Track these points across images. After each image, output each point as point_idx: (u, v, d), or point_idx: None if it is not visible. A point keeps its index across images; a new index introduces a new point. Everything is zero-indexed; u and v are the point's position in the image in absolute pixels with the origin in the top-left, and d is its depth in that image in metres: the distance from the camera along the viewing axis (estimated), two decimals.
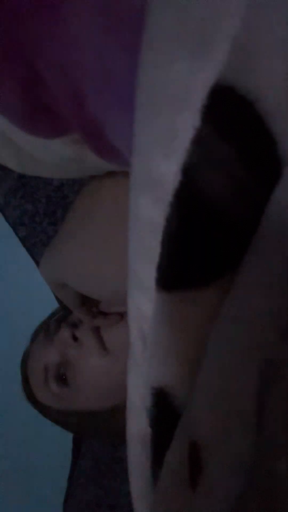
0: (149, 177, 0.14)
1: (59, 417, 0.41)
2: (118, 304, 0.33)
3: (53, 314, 0.43)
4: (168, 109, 0.13)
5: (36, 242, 0.47)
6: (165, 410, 0.16)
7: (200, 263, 0.15)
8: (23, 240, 0.47)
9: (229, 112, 0.13)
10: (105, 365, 0.35)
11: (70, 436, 0.50)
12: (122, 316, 0.35)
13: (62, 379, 0.37)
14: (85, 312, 0.34)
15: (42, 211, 0.46)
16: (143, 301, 0.16)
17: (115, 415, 0.37)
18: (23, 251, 0.47)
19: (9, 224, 0.47)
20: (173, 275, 0.15)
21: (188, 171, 0.14)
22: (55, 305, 0.49)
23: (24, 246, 0.47)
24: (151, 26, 0.13)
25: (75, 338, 0.36)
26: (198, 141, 0.13)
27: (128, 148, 0.18)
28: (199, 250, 0.15)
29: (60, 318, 0.39)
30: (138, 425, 0.17)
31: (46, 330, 0.39)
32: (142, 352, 0.16)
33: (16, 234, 0.47)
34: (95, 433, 0.42)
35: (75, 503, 0.51)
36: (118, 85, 0.15)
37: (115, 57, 0.15)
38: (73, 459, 0.52)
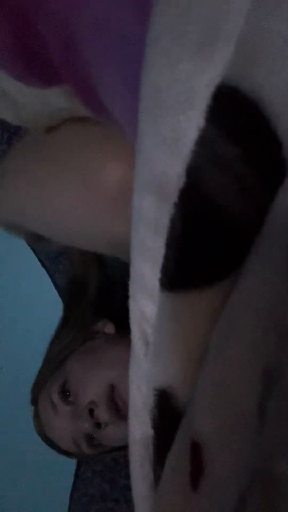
0: (153, 178, 0.14)
1: (87, 457, 0.44)
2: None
3: (43, 371, 0.43)
4: (173, 110, 0.13)
5: None
6: (167, 411, 0.16)
7: (204, 264, 0.15)
8: None
9: (233, 112, 0.13)
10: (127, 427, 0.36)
11: None
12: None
13: (93, 445, 0.39)
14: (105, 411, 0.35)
15: None
16: (146, 303, 0.16)
17: None
18: (28, 250, 0.47)
19: None
20: (177, 276, 0.15)
21: (193, 172, 0.13)
22: (59, 302, 0.49)
23: (29, 244, 0.48)
24: (155, 26, 0.13)
25: (98, 425, 0.37)
26: (203, 142, 0.13)
27: (116, 105, 0.17)
28: (203, 251, 0.15)
29: (61, 387, 0.38)
30: (140, 427, 0.17)
31: (52, 405, 0.39)
32: (144, 355, 0.16)
33: None
34: None
35: (80, 496, 0.51)
36: (115, 35, 0.15)
37: (116, 5, 0.15)
38: None
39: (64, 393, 0.38)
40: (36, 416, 0.42)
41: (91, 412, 0.37)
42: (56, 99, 0.21)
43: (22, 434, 0.49)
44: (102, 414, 0.36)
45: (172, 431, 0.15)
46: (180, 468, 0.14)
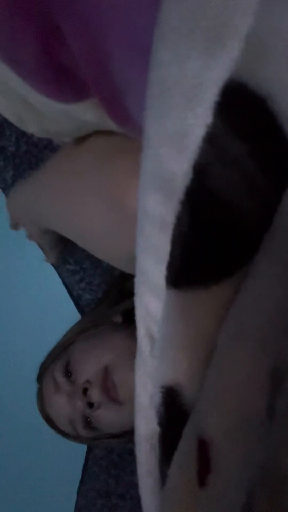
0: (159, 175, 0.14)
1: (82, 441, 0.45)
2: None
3: (52, 352, 0.45)
4: (180, 106, 0.13)
5: None
6: (174, 409, 0.16)
7: (211, 261, 0.15)
8: None
9: (241, 109, 0.13)
10: (124, 412, 0.37)
11: None
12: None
13: (89, 427, 0.40)
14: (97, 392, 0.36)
15: None
16: (151, 300, 0.16)
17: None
18: (37, 249, 0.48)
19: None
20: (183, 273, 0.15)
21: (200, 169, 0.13)
22: (68, 300, 0.50)
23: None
24: (163, 22, 0.13)
25: (90, 405, 0.38)
26: (210, 138, 0.13)
27: (142, 112, 0.17)
28: (210, 248, 0.14)
29: (64, 367, 0.40)
30: (146, 425, 0.17)
31: (54, 383, 0.41)
32: (150, 352, 0.16)
33: None
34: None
35: (87, 491, 0.52)
36: (145, 44, 0.14)
37: (145, 12, 0.14)
38: (88, 448, 0.53)
39: (66, 373, 0.40)
40: (39, 394, 0.44)
41: (85, 391, 0.38)
42: (83, 113, 0.21)
43: (32, 427, 0.50)
44: (94, 394, 0.37)
45: (179, 429, 0.15)
46: (187, 465, 0.14)
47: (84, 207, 0.25)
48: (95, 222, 0.25)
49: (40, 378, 0.44)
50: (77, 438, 0.43)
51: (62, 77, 0.19)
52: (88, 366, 0.38)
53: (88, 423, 0.40)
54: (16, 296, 0.57)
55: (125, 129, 0.21)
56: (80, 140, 0.27)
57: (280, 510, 0.10)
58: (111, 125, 0.22)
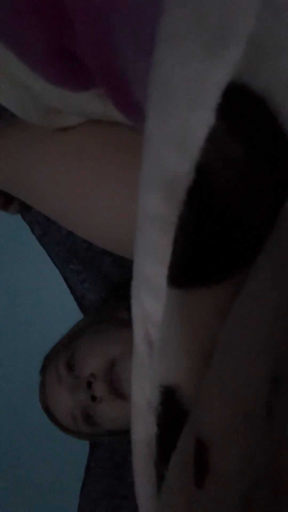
0: (161, 176, 0.14)
1: (84, 437, 0.45)
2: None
3: (57, 345, 0.45)
4: (183, 107, 0.13)
5: (50, 241, 0.48)
6: (172, 409, 0.16)
7: (213, 261, 0.15)
8: (39, 239, 0.48)
9: (243, 110, 0.13)
10: (126, 408, 0.37)
11: None
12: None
13: (90, 423, 0.40)
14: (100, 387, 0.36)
15: None
16: (150, 301, 0.16)
17: None
18: (39, 249, 0.48)
19: (26, 222, 0.48)
20: (185, 273, 0.15)
21: (202, 169, 0.13)
22: (70, 300, 0.50)
23: (40, 244, 0.48)
24: (166, 23, 0.13)
25: (93, 398, 0.38)
26: (212, 139, 0.13)
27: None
28: (212, 248, 0.14)
29: (68, 360, 0.40)
30: (144, 427, 0.17)
31: (57, 375, 0.41)
32: (148, 355, 0.16)
33: (33, 232, 0.48)
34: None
35: (90, 492, 0.52)
36: (153, 35, 0.14)
37: (152, 2, 0.14)
38: (91, 449, 0.53)
39: (70, 366, 0.40)
40: (42, 386, 0.44)
41: (89, 384, 0.38)
42: (89, 102, 0.21)
43: (34, 428, 0.50)
44: (99, 387, 0.37)
45: (177, 429, 0.15)
46: (185, 466, 0.14)
47: (88, 207, 0.25)
48: (102, 219, 0.25)
49: (43, 370, 0.44)
50: (77, 433, 0.43)
51: (69, 65, 0.19)
52: (93, 360, 0.38)
53: (89, 417, 0.40)
54: (18, 295, 0.58)
55: (131, 119, 0.21)
56: (83, 132, 0.26)
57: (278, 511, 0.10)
58: (117, 115, 0.21)
